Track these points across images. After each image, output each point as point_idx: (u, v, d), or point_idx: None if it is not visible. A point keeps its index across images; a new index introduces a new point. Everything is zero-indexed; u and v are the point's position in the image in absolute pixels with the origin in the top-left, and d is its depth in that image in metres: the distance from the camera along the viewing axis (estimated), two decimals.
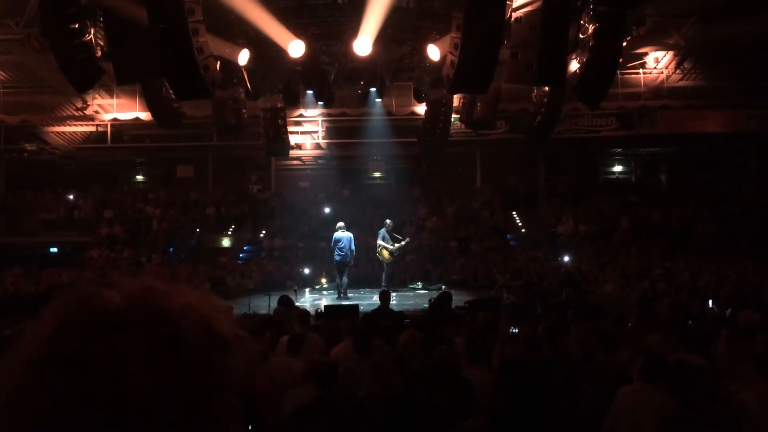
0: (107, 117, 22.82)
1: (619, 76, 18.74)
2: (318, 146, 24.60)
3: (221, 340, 0.78)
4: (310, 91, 15.03)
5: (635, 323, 6.83)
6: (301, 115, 22.69)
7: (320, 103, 16.18)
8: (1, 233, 22.60)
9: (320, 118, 23.41)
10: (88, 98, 21.73)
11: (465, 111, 15.47)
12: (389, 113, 21.56)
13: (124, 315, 0.75)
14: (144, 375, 0.71)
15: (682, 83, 22.00)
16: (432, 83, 14.66)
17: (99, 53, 10.80)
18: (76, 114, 22.72)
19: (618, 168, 29.21)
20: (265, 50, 12.87)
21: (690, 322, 7.87)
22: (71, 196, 25.11)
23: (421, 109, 18.74)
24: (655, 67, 21.58)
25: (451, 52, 10.20)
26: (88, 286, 0.79)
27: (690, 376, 3.77)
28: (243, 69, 13.06)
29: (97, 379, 0.70)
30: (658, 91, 22.11)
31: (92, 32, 10.64)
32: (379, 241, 15.52)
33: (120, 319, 0.74)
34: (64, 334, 0.73)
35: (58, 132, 24.13)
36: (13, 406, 0.71)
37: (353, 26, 12.24)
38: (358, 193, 25.69)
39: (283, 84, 14.93)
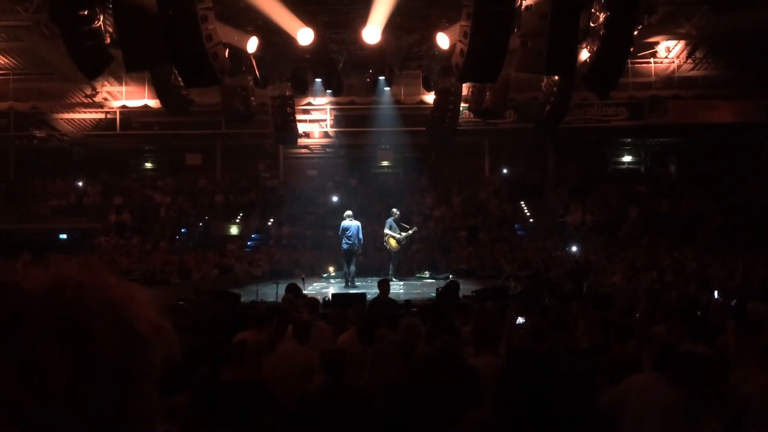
0: (116, 104, 22.85)
1: (629, 65, 18.60)
2: (326, 135, 24.58)
3: (136, 334, 0.78)
4: (318, 80, 14.99)
5: (643, 314, 6.82)
6: (309, 104, 22.65)
7: (329, 91, 16.16)
8: (10, 220, 22.73)
9: (329, 107, 23.37)
10: (98, 85, 21.76)
11: (474, 100, 15.41)
12: (398, 102, 21.49)
13: (38, 306, 0.74)
14: (54, 364, 0.71)
15: (693, 73, 21.80)
16: (441, 72, 14.60)
17: (108, 40, 10.80)
18: (85, 101, 22.76)
19: (627, 158, 29.06)
20: (274, 38, 12.84)
21: (698, 313, 7.85)
22: (80, 183, 25.24)
23: (429, 97, 18.68)
24: (666, 57, 21.38)
25: (460, 41, 10.14)
26: (8, 274, 0.78)
27: (700, 368, 3.76)
28: (252, 56, 13.05)
29: (7, 378, 0.70)
30: (669, 80, 21.93)
31: (101, 19, 10.64)
32: (386, 230, 15.52)
33: (34, 309, 0.74)
34: None
35: (67, 119, 24.20)
36: None
37: (362, 14, 12.18)
38: (366, 182, 25.68)
39: (292, 72, 14.91)
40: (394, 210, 15.97)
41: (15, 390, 0.69)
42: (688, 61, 21.34)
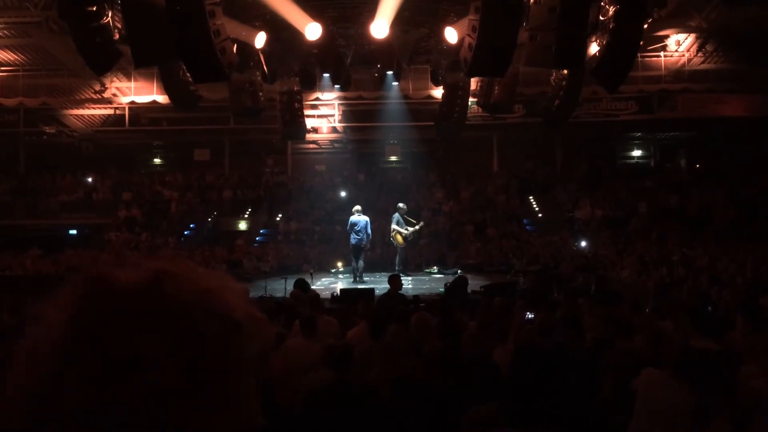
0: (125, 100, 22.93)
1: (639, 59, 18.47)
2: (334, 130, 24.57)
3: (236, 324, 0.77)
4: (326, 75, 14.99)
5: (652, 309, 6.79)
6: (317, 99, 22.65)
7: (337, 86, 16.15)
8: (20, 215, 22.90)
9: (336, 102, 23.37)
10: (106, 81, 21.83)
11: (482, 94, 15.36)
12: (406, 97, 21.46)
13: (139, 301, 0.74)
14: (162, 361, 0.71)
15: (703, 66, 21.62)
16: (449, 66, 14.55)
17: (117, 36, 10.82)
18: (94, 97, 22.85)
19: (637, 152, 28.91)
20: (282, 33, 12.84)
21: (709, 308, 7.81)
22: (89, 179, 25.35)
23: (438, 92, 18.65)
24: (676, 50, 21.23)
25: (469, 35, 10.10)
26: (103, 268, 0.78)
27: (711, 366, 3.74)
28: (260, 52, 13.05)
29: (118, 366, 0.70)
30: (679, 74, 21.75)
31: (110, 15, 10.66)
32: (393, 225, 15.49)
33: (136, 304, 0.73)
34: (82, 322, 0.72)
35: (76, 115, 24.31)
36: (27, 403, 0.70)
37: (370, 9, 12.15)
38: (373, 177, 25.67)
39: (300, 67, 14.91)
40: (401, 205, 15.94)
41: (122, 391, 0.69)
42: (699, 54, 21.17)
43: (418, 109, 21.76)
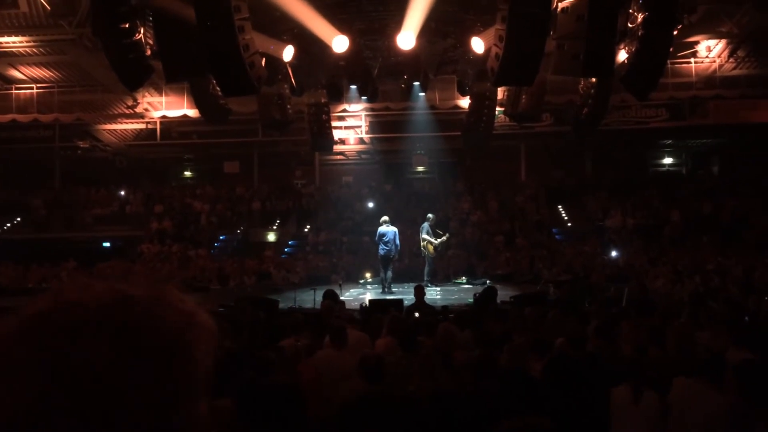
0: (156, 114, 23.34)
1: (669, 65, 18.24)
2: (361, 141, 24.67)
3: (188, 347, 0.79)
4: (353, 86, 15.07)
5: (687, 319, 6.67)
6: (344, 110, 22.78)
7: (364, 97, 16.20)
8: (56, 228, 23.38)
9: (363, 113, 23.47)
10: (139, 96, 22.26)
11: (510, 104, 15.31)
12: (432, 107, 21.46)
13: (97, 321, 0.75)
14: (113, 378, 0.72)
15: (735, 72, 21.26)
16: (476, 76, 14.52)
17: (148, 52, 11.03)
18: (126, 112, 23.30)
19: (668, 160, 28.49)
20: (310, 46, 12.95)
21: (746, 318, 7.65)
22: (122, 192, 25.83)
23: (464, 102, 18.62)
24: (707, 56, 20.92)
25: (495, 45, 10.08)
26: (69, 286, 0.80)
27: (752, 377, 3.67)
28: (288, 65, 13.19)
29: (72, 381, 0.71)
30: (711, 80, 21.41)
31: (142, 31, 10.87)
32: (424, 235, 15.48)
33: (93, 326, 0.75)
34: (30, 332, 0.74)
35: (109, 130, 24.80)
36: None
37: (397, 21, 12.21)
38: (401, 188, 25.69)
39: (327, 79, 15.02)
40: (430, 215, 15.93)
41: (82, 391, 0.72)
42: (730, 60, 20.83)
43: (445, 119, 21.74)
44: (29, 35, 18.30)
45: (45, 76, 21.95)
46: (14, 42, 18.68)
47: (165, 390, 0.76)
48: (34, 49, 19.39)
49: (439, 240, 15.48)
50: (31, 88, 22.52)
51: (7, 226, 23.91)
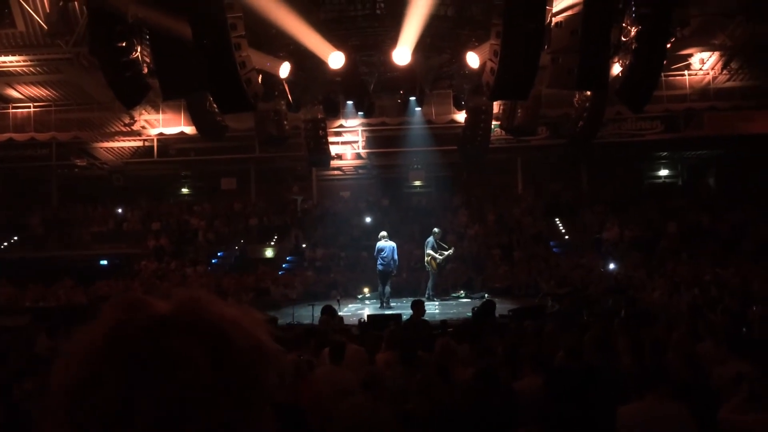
0: (153, 132, 23.38)
1: (663, 78, 18.36)
2: (358, 156, 24.73)
3: (265, 353, 0.81)
4: (350, 102, 15.15)
5: (685, 331, 6.66)
6: (341, 126, 22.85)
7: (360, 113, 16.28)
8: (53, 246, 23.31)
9: (360, 128, 23.53)
10: (135, 114, 22.27)
11: (505, 117, 15.38)
12: (429, 122, 21.51)
13: (172, 320, 0.77)
14: (192, 377, 0.73)
15: (729, 84, 21.41)
16: (471, 91, 14.62)
17: (145, 70, 11.09)
18: (123, 130, 23.32)
19: (664, 172, 28.58)
20: (306, 62, 13.03)
21: (744, 329, 7.65)
22: (120, 210, 25.80)
23: (460, 116, 18.70)
24: (700, 68, 21.07)
25: (490, 59, 10.15)
26: (135, 294, 0.82)
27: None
28: (284, 81, 13.25)
29: (148, 380, 0.72)
30: (705, 92, 21.56)
31: (139, 50, 10.94)
32: (428, 251, 15.48)
33: (169, 323, 0.77)
34: (117, 337, 0.76)
35: (106, 147, 24.82)
36: (70, 404, 0.74)
37: (392, 36, 12.30)
38: (398, 202, 25.70)
39: (324, 95, 15.09)
40: (436, 230, 15.95)
41: (159, 388, 0.73)
42: (724, 72, 20.98)
43: (441, 133, 21.79)
44: (26, 54, 18.39)
45: (42, 95, 22.00)
46: (11, 61, 18.76)
47: (248, 396, 0.77)
48: (31, 68, 19.46)
49: (443, 255, 15.54)
50: (28, 107, 22.54)
51: (4, 245, 23.84)
